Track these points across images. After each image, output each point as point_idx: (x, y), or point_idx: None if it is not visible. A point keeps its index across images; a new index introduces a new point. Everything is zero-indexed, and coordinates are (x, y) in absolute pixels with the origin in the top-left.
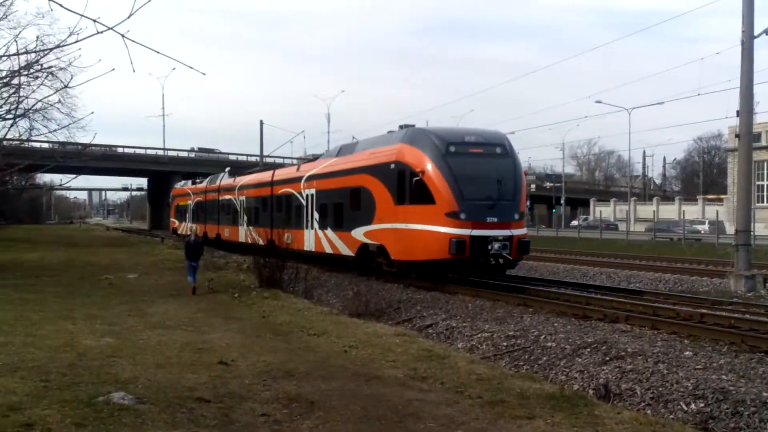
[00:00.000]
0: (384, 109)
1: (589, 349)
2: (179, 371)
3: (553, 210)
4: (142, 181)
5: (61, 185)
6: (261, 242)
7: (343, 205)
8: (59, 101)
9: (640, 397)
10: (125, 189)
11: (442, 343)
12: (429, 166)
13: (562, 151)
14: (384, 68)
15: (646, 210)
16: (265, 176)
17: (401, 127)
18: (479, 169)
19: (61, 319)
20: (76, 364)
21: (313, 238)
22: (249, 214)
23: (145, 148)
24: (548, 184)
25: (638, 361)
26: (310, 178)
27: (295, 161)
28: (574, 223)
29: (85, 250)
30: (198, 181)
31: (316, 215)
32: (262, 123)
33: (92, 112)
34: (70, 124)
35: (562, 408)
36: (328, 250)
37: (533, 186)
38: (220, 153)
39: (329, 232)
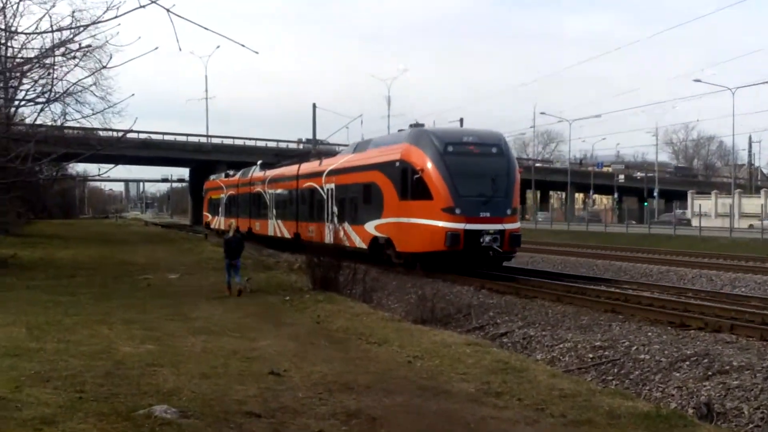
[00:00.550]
0: (451, 91)
1: (688, 363)
2: (226, 382)
3: (644, 204)
4: (184, 172)
5: (96, 176)
6: (288, 235)
7: (358, 199)
8: (94, 83)
9: (747, 417)
10: (165, 180)
11: (518, 353)
12: (428, 165)
13: (655, 136)
14: (452, 45)
15: (752, 203)
16: (292, 170)
17: (411, 126)
18: (474, 168)
19: (96, 323)
20: (114, 374)
21: (332, 231)
22: (277, 208)
23: (187, 135)
24: (639, 174)
25: (745, 376)
26: (331, 173)
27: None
28: (665, 217)
29: (122, 248)
30: (231, 173)
31: (335, 209)
32: (315, 107)
33: (132, 95)
34: (105, 108)
35: (657, 429)
36: (345, 243)
37: (621, 176)
38: (269, 140)
39: (346, 225)
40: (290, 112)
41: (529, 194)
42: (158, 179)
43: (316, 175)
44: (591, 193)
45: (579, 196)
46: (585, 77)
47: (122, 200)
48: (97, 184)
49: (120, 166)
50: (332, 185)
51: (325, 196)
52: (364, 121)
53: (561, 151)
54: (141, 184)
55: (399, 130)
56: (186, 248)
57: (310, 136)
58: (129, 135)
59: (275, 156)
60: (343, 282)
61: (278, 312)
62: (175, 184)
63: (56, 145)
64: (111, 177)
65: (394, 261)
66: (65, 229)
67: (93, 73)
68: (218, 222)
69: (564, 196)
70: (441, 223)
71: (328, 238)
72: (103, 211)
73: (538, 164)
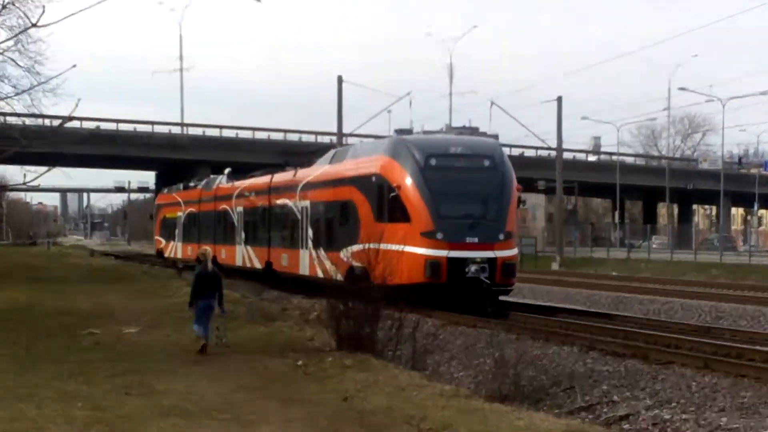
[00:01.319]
0: (540, 59)
1: None
2: None
3: None
4: (148, 177)
5: (19, 184)
6: (258, 265)
7: (334, 220)
8: (17, 49)
9: None
10: (120, 189)
11: None
12: (406, 181)
13: None
14: None
15: None
16: (263, 182)
17: (397, 132)
18: (461, 184)
19: (19, 399)
20: None
21: (307, 259)
22: (246, 230)
23: (153, 123)
24: None
25: None
26: (306, 186)
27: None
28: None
29: (58, 289)
30: (192, 185)
31: (310, 232)
32: (341, 82)
33: (73, 66)
34: (34, 86)
35: None
36: (320, 273)
37: None
38: (274, 130)
39: (321, 252)
40: (306, 92)
41: (662, 209)
42: (110, 189)
43: (289, 188)
44: (756, 207)
45: (737, 212)
46: (746, 36)
47: (57, 219)
48: (21, 195)
49: (55, 170)
50: (307, 203)
51: (299, 216)
52: (413, 102)
53: (710, 144)
54: (85, 195)
55: (378, 138)
56: (150, 289)
57: (334, 126)
58: (69, 124)
59: (282, 155)
60: (383, 339)
61: (286, 383)
62: (134, 196)
63: None
64: (41, 186)
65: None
66: None
67: (16, 35)
68: (174, 249)
69: (714, 211)
70: (420, 250)
71: (303, 268)
72: (30, 235)
73: (675, 164)
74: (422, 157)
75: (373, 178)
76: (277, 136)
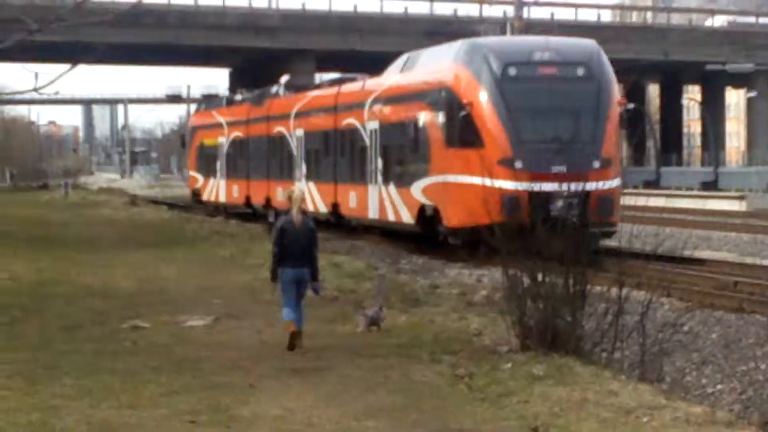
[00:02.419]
0: None
1: None
2: None
3: None
4: (218, 78)
5: (19, 92)
6: (324, 209)
7: (404, 148)
8: None
9: None
10: (175, 99)
11: None
12: (479, 96)
13: None
14: None
15: None
16: (329, 95)
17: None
18: (546, 99)
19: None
20: None
21: (377, 198)
22: (308, 161)
23: None
24: None
25: None
26: (374, 102)
27: None
28: None
29: (82, 258)
30: (239, 98)
31: (380, 162)
32: None
33: None
34: None
35: None
36: (390, 216)
37: None
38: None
39: (391, 188)
40: None
41: None
42: (159, 98)
43: (357, 105)
44: None
45: None
46: None
47: (78, 148)
48: (24, 111)
49: (78, 70)
50: (376, 123)
51: (367, 141)
52: None
53: None
54: (120, 109)
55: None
56: (224, 257)
57: None
58: None
59: (425, 38)
60: (592, 332)
61: (441, 403)
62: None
63: None
64: (56, 95)
65: (449, 241)
66: None
67: None
68: (214, 189)
69: None
70: (495, 183)
71: (372, 211)
72: (39, 172)
73: None
74: (499, 65)
75: (442, 93)
76: (419, 9)
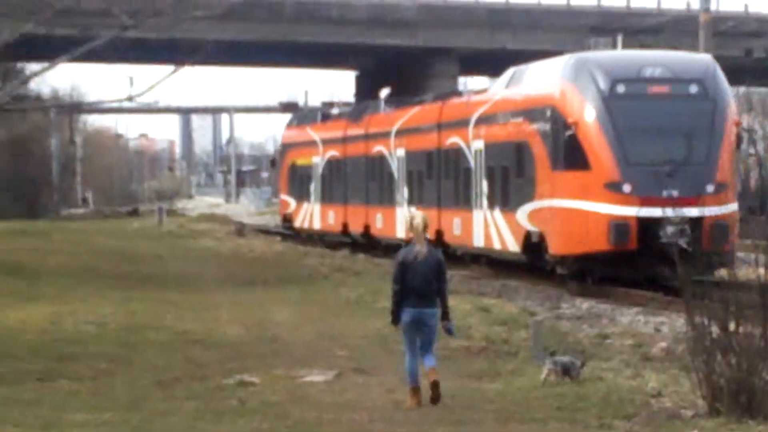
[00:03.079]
0: None
1: None
2: None
3: None
4: (343, 82)
5: (106, 102)
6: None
7: (509, 169)
8: None
9: None
10: (290, 107)
11: None
12: (585, 115)
13: None
14: None
15: None
16: (431, 112)
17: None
18: (657, 119)
19: None
20: None
21: (482, 224)
22: (411, 184)
23: None
24: None
25: None
26: (479, 121)
27: None
28: None
29: (180, 297)
30: (335, 112)
31: (485, 185)
32: None
33: None
34: None
35: None
36: (496, 244)
37: None
38: None
39: (497, 213)
40: None
41: None
42: (272, 107)
43: (461, 123)
44: None
45: None
46: None
47: (174, 166)
48: (110, 121)
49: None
50: (481, 143)
51: (472, 163)
52: None
53: None
54: (224, 120)
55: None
56: (352, 297)
57: None
58: None
59: (591, 34)
60: None
61: None
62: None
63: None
64: (147, 103)
65: (557, 270)
66: (24, 244)
67: None
68: (307, 215)
69: None
70: (602, 207)
71: (477, 239)
72: (128, 195)
73: None
74: (607, 82)
75: (547, 111)
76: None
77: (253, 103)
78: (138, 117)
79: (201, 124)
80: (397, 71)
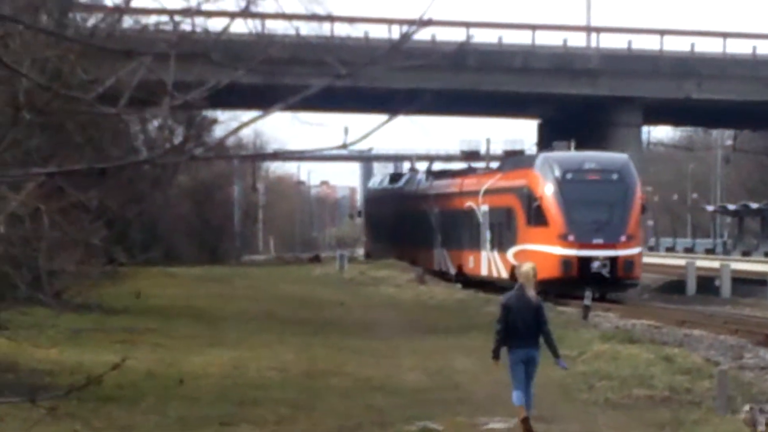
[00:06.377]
0: None
1: None
2: None
3: None
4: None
5: (327, 149)
6: (451, 270)
7: (502, 224)
8: None
9: None
10: (471, 156)
11: None
12: (545, 192)
13: None
14: None
15: None
16: (454, 184)
17: (540, 148)
18: (590, 195)
19: None
20: None
21: (486, 259)
22: (444, 233)
23: (545, 29)
24: None
25: None
26: (485, 192)
27: None
28: None
29: (360, 344)
30: (402, 182)
31: (488, 234)
32: None
33: None
34: None
35: None
36: (494, 273)
37: None
38: None
39: (495, 253)
40: None
41: None
42: (454, 154)
43: (473, 193)
44: None
45: None
46: None
47: (355, 214)
48: (293, 169)
49: (356, 122)
50: (486, 207)
51: (480, 220)
52: None
53: None
54: (405, 168)
55: (528, 154)
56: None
57: None
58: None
59: None
60: None
61: None
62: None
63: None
64: (364, 152)
65: None
66: (207, 290)
67: None
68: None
69: None
70: (556, 250)
71: (483, 269)
72: (309, 242)
73: None
74: (560, 171)
75: (525, 189)
76: None
77: (434, 150)
78: (320, 164)
79: (382, 172)
80: (580, 120)
